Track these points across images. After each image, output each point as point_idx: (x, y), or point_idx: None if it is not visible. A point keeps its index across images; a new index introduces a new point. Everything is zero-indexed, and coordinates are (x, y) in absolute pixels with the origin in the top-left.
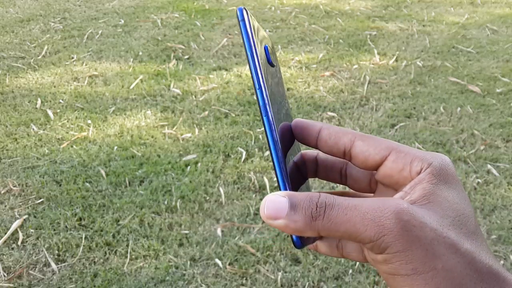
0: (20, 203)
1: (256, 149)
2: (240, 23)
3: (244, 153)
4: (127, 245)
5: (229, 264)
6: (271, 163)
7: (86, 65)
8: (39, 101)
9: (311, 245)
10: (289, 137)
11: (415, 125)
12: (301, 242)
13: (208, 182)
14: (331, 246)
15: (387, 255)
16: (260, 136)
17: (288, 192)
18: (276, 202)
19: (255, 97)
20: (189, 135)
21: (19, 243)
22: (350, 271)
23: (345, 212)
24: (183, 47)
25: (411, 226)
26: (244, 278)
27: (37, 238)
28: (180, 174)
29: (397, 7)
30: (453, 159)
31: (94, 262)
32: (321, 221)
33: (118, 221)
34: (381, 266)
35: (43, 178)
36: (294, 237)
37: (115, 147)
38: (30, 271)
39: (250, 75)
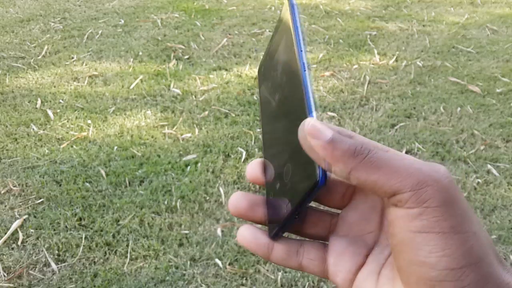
0: (20, 203)
1: (256, 149)
2: (294, 6)
3: (244, 153)
4: (127, 245)
5: (229, 264)
6: None
7: (86, 65)
8: (39, 101)
9: (266, 248)
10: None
11: (415, 125)
12: (325, 181)
13: (208, 182)
14: (289, 251)
15: (425, 209)
16: (260, 136)
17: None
18: (322, 127)
19: (255, 97)
20: (189, 135)
21: (19, 243)
22: None
23: (388, 159)
24: (183, 47)
25: (455, 185)
26: (244, 278)
27: (37, 238)
28: (180, 174)
29: (397, 7)
30: (453, 159)
31: (94, 262)
32: (361, 158)
33: (118, 221)
34: (408, 223)
35: (43, 178)
36: (320, 171)
37: (115, 147)
38: (30, 271)
39: (250, 74)
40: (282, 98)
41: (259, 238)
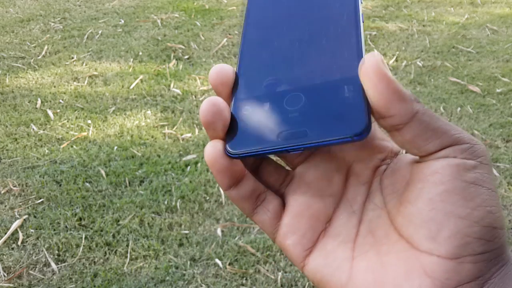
0: (20, 203)
1: None
2: None
3: None
4: (127, 245)
5: (229, 264)
6: None
7: (86, 65)
8: (39, 101)
9: (233, 176)
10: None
11: None
12: (369, 132)
13: (208, 182)
14: (254, 191)
15: (479, 163)
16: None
17: None
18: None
19: None
20: (189, 135)
21: (19, 243)
22: None
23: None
24: (183, 47)
25: None
26: (244, 278)
27: (37, 238)
28: (180, 174)
29: (397, 7)
30: None
31: (94, 262)
32: (422, 105)
33: (118, 221)
34: (462, 173)
35: (43, 178)
36: (367, 118)
37: (115, 147)
38: (30, 271)
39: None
40: (316, 23)
41: (234, 163)
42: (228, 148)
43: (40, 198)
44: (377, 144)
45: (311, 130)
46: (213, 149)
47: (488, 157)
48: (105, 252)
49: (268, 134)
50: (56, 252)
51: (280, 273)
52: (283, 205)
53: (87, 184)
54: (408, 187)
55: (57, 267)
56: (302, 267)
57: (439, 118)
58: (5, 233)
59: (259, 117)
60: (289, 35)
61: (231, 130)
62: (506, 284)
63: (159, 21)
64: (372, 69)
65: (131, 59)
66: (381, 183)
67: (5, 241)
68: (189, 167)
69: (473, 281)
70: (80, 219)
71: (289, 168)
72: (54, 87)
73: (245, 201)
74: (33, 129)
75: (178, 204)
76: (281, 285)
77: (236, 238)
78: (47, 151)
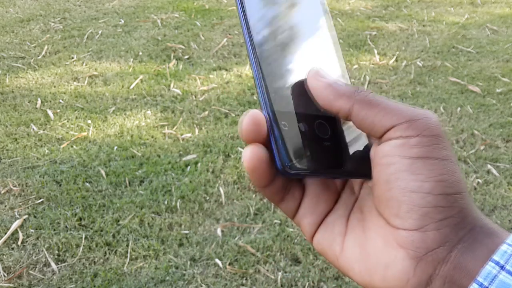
0: (20, 203)
1: None
2: None
3: None
4: (127, 245)
5: (229, 264)
6: None
7: (86, 65)
8: (39, 101)
9: (269, 176)
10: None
11: None
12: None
13: (208, 182)
14: (285, 184)
15: (422, 137)
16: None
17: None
18: (326, 73)
19: (255, 97)
20: (189, 135)
21: (19, 243)
22: None
23: (385, 100)
24: (183, 47)
25: (441, 124)
26: (244, 278)
27: (37, 238)
28: (180, 174)
29: (397, 7)
30: None
31: (94, 262)
32: (362, 95)
33: (118, 221)
34: (406, 150)
35: (43, 178)
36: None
37: (115, 147)
38: (30, 271)
39: (250, 74)
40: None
41: (268, 165)
42: (286, 169)
43: (40, 198)
44: None
45: (346, 165)
46: (254, 155)
47: (434, 127)
48: (105, 252)
49: (314, 159)
50: (56, 252)
51: (280, 273)
52: (301, 189)
53: (87, 184)
54: (373, 170)
55: (57, 267)
56: (311, 241)
57: (379, 103)
58: (5, 233)
59: (300, 137)
60: (293, 49)
61: (280, 145)
62: (474, 248)
63: (159, 21)
64: (312, 84)
65: (131, 59)
66: None
67: (5, 241)
68: (189, 167)
69: (441, 246)
70: (80, 219)
71: None
72: (54, 87)
73: (277, 194)
74: (33, 129)
75: (178, 204)
76: (281, 285)
77: (236, 238)
78: (47, 151)
